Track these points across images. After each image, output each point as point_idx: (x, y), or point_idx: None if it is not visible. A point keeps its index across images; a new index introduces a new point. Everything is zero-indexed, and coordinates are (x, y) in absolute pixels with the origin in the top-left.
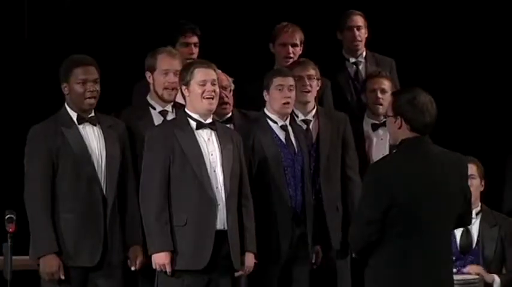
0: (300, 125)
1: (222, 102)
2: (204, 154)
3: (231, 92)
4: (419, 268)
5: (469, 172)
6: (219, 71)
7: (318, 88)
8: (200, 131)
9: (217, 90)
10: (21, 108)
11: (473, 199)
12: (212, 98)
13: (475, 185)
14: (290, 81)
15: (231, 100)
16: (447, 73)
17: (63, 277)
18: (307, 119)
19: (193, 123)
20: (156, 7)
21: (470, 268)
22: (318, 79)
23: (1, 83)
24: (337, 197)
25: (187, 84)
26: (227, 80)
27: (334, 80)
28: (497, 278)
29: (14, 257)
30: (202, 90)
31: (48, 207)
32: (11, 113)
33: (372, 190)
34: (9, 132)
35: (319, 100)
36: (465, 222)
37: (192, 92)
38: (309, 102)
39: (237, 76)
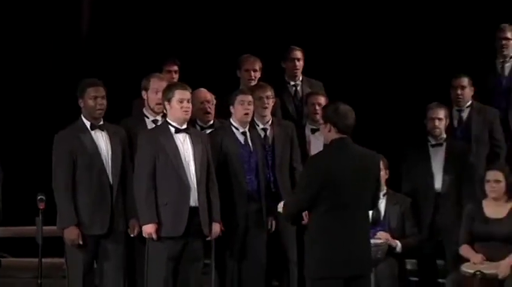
0: (258, 132)
1: (206, 112)
2: (180, 151)
3: (213, 105)
4: (343, 236)
5: None
6: (205, 90)
7: (273, 105)
8: (178, 134)
9: (191, 106)
10: (45, 115)
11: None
12: (187, 112)
13: (382, 174)
14: (249, 98)
15: (212, 111)
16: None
17: (81, 243)
18: (265, 128)
19: (172, 129)
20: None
21: (380, 234)
22: (273, 98)
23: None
24: (287, 183)
25: (169, 100)
26: (210, 96)
27: (280, 97)
28: (399, 243)
29: (44, 227)
30: (181, 107)
31: (70, 191)
32: (37, 119)
33: (307, 176)
34: (35, 135)
35: (273, 113)
36: (374, 202)
37: (172, 107)
38: (267, 116)
39: (218, 94)
